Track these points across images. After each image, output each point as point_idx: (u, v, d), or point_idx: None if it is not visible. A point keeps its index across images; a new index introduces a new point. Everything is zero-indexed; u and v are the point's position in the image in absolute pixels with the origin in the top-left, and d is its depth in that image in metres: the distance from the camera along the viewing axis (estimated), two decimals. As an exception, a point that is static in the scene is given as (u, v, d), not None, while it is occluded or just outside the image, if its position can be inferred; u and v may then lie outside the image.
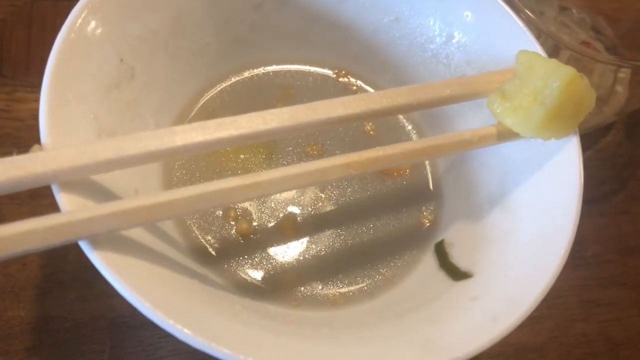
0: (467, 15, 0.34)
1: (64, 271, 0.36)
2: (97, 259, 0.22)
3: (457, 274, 0.30)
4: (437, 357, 0.23)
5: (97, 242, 0.23)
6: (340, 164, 0.26)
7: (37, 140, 0.37)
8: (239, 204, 0.33)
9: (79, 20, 0.27)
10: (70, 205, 0.23)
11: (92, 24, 0.28)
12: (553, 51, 0.38)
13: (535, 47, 0.31)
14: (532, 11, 0.50)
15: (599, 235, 0.42)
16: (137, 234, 0.27)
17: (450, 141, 0.29)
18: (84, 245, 0.23)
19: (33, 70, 0.42)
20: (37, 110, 0.40)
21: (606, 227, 0.43)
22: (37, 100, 0.40)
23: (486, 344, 0.24)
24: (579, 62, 0.39)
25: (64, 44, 0.27)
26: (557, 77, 0.27)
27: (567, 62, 0.36)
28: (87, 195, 0.24)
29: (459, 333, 0.25)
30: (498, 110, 0.29)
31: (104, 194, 0.26)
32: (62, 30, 0.27)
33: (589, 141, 0.46)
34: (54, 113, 0.25)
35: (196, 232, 0.32)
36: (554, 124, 0.28)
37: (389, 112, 0.28)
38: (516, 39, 0.32)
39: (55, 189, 0.24)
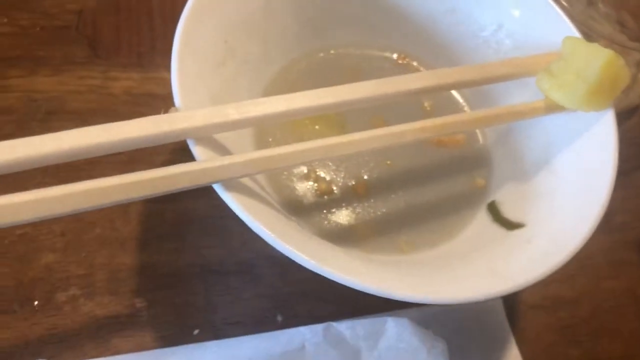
0: (515, 7, 0.39)
1: (160, 226, 0.41)
2: (230, 198, 0.28)
3: (510, 225, 0.35)
4: (505, 282, 0.28)
5: (227, 185, 0.28)
6: (417, 128, 0.31)
7: (132, 115, 0.43)
8: (318, 167, 0.38)
9: (194, 8, 0.33)
10: (203, 156, 0.29)
11: (204, 9, 0.33)
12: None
13: (576, 34, 0.36)
14: (562, 7, 0.55)
15: (626, 205, 0.47)
16: (249, 185, 0.32)
17: (508, 111, 0.34)
18: (217, 188, 0.28)
19: (123, 52, 0.47)
20: (128, 87, 0.46)
21: (631, 197, 0.48)
22: (128, 78, 0.46)
23: (543, 274, 0.29)
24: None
25: (185, 29, 0.32)
26: (598, 58, 0.33)
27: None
28: (212, 148, 0.30)
29: (519, 266, 0.30)
30: (546, 86, 0.34)
31: (221, 149, 0.31)
32: (182, 16, 0.32)
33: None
34: (182, 84, 0.30)
35: (286, 188, 0.37)
36: (594, 98, 0.33)
37: (456, 86, 0.34)
38: (558, 27, 0.37)
39: (190, 143, 0.29)
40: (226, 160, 0.28)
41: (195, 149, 0.29)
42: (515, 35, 0.39)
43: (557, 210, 0.33)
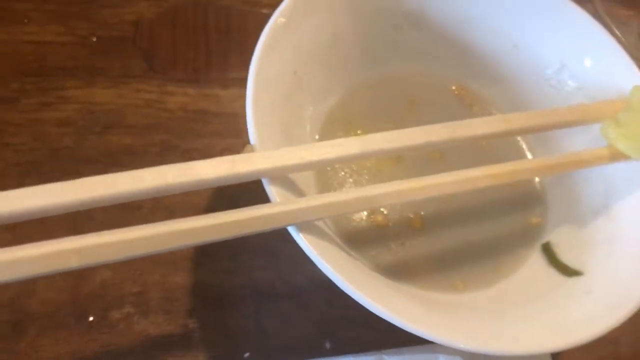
0: (580, 49, 0.39)
1: (213, 246, 0.41)
2: (302, 240, 0.28)
3: (568, 271, 0.35)
4: (565, 337, 0.29)
5: (299, 227, 0.28)
6: (489, 174, 0.31)
7: (187, 132, 0.43)
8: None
9: (269, 40, 0.33)
10: (278, 197, 0.29)
11: (278, 44, 0.33)
12: None
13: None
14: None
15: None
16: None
17: (573, 159, 0.34)
18: (291, 230, 0.28)
19: (179, 66, 0.47)
20: (184, 103, 0.46)
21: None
22: (184, 94, 0.46)
23: (605, 330, 0.29)
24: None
25: (260, 61, 0.32)
26: (671, 112, 0.33)
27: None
28: (285, 188, 0.30)
29: (579, 319, 0.30)
30: (612, 136, 0.35)
31: (289, 184, 0.31)
32: (257, 47, 0.33)
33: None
34: (257, 119, 0.31)
35: (343, 219, 0.38)
36: (662, 150, 0.33)
37: (523, 132, 0.34)
38: (625, 71, 0.37)
39: (265, 182, 0.29)
40: (303, 203, 0.28)
41: (270, 189, 0.29)
42: (578, 76, 0.39)
43: (618, 261, 0.33)
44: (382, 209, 0.38)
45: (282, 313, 0.40)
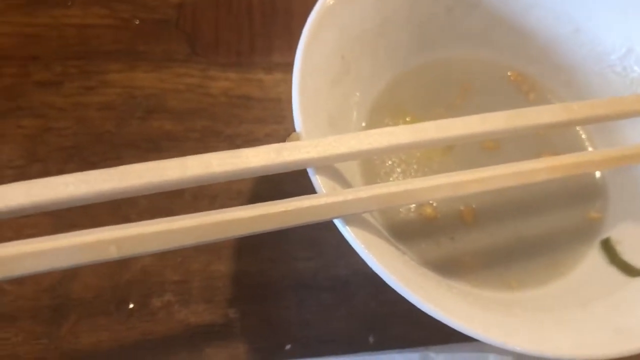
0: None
1: (256, 235, 0.40)
2: (349, 233, 0.27)
3: (632, 271, 0.33)
4: (629, 342, 0.27)
5: (347, 219, 0.27)
6: (548, 167, 0.29)
7: (230, 118, 0.42)
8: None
9: (316, 24, 0.31)
10: (324, 187, 0.27)
11: (326, 27, 0.32)
12: None
13: None
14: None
15: None
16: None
17: (638, 152, 0.32)
18: (338, 223, 0.27)
19: (222, 50, 0.46)
20: (226, 88, 0.45)
21: None
22: (227, 79, 0.45)
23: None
24: None
25: (307, 44, 0.31)
26: None
27: None
28: (330, 178, 0.29)
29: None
30: (683, 126, 0.32)
31: (337, 178, 0.30)
32: (305, 29, 0.31)
33: None
34: (303, 106, 0.29)
35: (391, 211, 0.36)
36: None
37: (587, 122, 0.31)
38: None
39: (311, 172, 0.28)
40: (350, 194, 0.27)
41: (316, 179, 0.28)
42: (647, 63, 0.36)
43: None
44: (432, 204, 0.37)
45: (325, 305, 0.39)
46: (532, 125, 0.30)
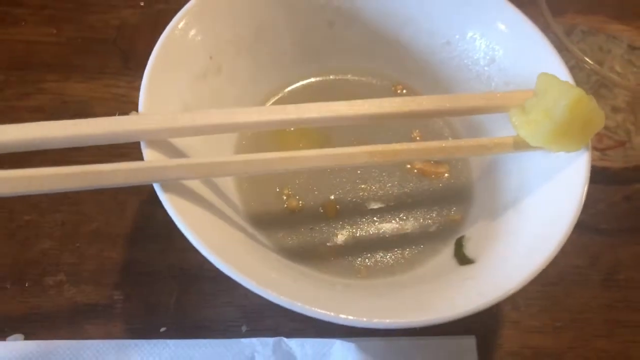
0: (506, 42, 0.38)
1: (151, 227, 0.43)
2: (166, 200, 0.29)
3: (463, 260, 0.34)
4: (430, 315, 0.28)
5: (167, 187, 0.30)
6: (365, 151, 0.32)
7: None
8: (292, 184, 0.39)
9: (181, 23, 0.35)
10: (152, 158, 0.31)
11: (190, 26, 0.36)
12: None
13: (563, 71, 0.35)
14: (600, 49, 0.53)
15: (635, 262, 0.44)
16: (205, 192, 0.33)
17: (469, 144, 0.34)
18: (156, 187, 0.30)
19: (152, 66, 0.51)
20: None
21: (642, 254, 0.45)
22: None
23: (467, 312, 0.28)
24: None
25: (167, 40, 0.35)
26: (565, 97, 0.31)
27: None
28: (166, 153, 0.32)
29: (449, 302, 0.29)
30: (516, 123, 0.34)
31: (179, 155, 0.33)
32: (166, 28, 0.35)
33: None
34: (151, 90, 0.33)
35: (254, 201, 0.39)
36: (562, 138, 0.32)
37: (432, 114, 0.34)
38: (547, 64, 0.36)
39: (142, 145, 0.31)
40: (169, 162, 0.30)
41: (146, 151, 0.31)
42: (505, 71, 0.38)
43: (509, 253, 0.32)
44: (293, 192, 0.39)
45: (205, 294, 0.41)
46: (377, 114, 0.32)
